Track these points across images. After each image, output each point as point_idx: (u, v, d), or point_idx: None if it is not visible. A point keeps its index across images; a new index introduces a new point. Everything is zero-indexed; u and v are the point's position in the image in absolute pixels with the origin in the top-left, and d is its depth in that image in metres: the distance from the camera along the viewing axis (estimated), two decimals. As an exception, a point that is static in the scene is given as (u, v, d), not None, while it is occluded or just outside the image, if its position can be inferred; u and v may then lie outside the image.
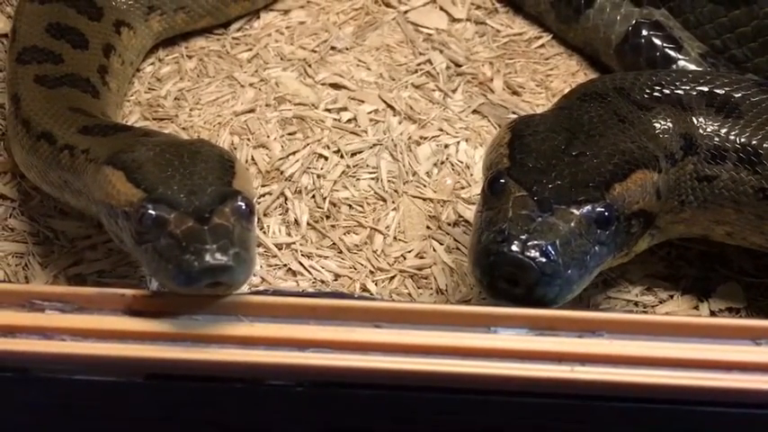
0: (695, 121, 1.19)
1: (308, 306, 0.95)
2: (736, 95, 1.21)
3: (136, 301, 0.96)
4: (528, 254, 1.00)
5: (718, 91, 1.21)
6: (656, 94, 1.21)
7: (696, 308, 1.28)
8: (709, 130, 1.19)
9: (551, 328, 0.95)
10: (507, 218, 1.02)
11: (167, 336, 0.93)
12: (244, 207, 1.01)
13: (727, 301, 1.28)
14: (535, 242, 1.00)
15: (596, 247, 1.04)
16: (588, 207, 1.04)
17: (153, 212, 0.99)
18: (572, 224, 1.03)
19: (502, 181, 1.06)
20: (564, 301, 1.03)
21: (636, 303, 1.28)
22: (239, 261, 0.96)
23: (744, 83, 1.23)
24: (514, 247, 1.00)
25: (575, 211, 1.03)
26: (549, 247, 1.00)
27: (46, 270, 1.27)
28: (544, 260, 1.00)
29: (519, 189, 1.05)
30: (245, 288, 1.22)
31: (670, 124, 1.18)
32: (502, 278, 1.01)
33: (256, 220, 1.04)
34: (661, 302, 1.28)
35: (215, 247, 0.95)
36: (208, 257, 0.95)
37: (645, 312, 1.27)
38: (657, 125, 1.17)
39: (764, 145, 1.18)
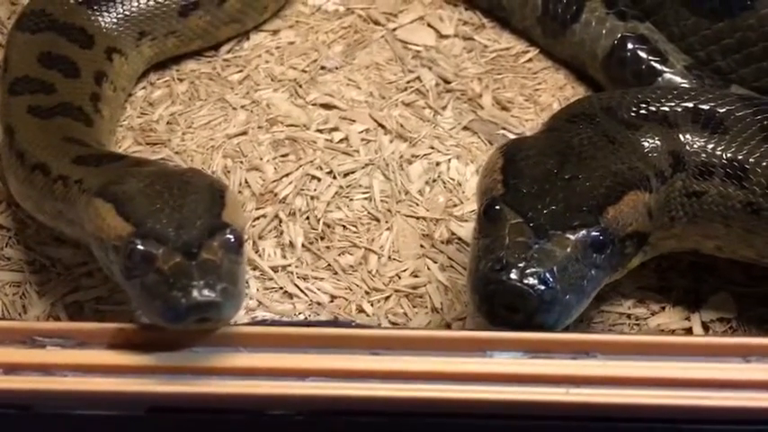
0: (682, 138, 1.21)
1: (306, 336, 0.96)
2: (721, 111, 1.23)
3: (135, 334, 0.97)
4: (526, 282, 1.01)
5: (702, 106, 1.23)
6: (642, 112, 1.22)
7: (688, 319, 1.30)
8: (695, 146, 1.21)
9: (545, 350, 0.97)
10: (504, 245, 1.03)
11: (168, 369, 0.94)
12: (232, 240, 1.01)
13: (718, 312, 1.30)
14: (533, 269, 1.01)
15: (593, 271, 1.05)
16: (583, 232, 1.05)
17: (141, 248, 0.99)
18: (568, 250, 1.04)
19: (497, 208, 1.07)
20: (563, 326, 1.04)
21: (628, 316, 1.30)
22: (227, 296, 0.96)
23: (728, 98, 1.25)
24: (513, 276, 1.01)
25: (570, 237, 1.05)
26: (547, 274, 1.01)
27: (43, 299, 1.28)
28: (543, 287, 1.01)
29: (515, 216, 1.06)
30: (243, 317, 1.24)
31: (658, 142, 1.19)
32: (501, 306, 1.02)
33: (245, 252, 1.04)
34: (653, 314, 1.30)
35: (202, 283, 0.95)
36: (195, 294, 0.95)
37: (637, 325, 1.29)
38: (646, 144, 1.19)
39: (750, 159, 1.20)
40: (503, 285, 1.01)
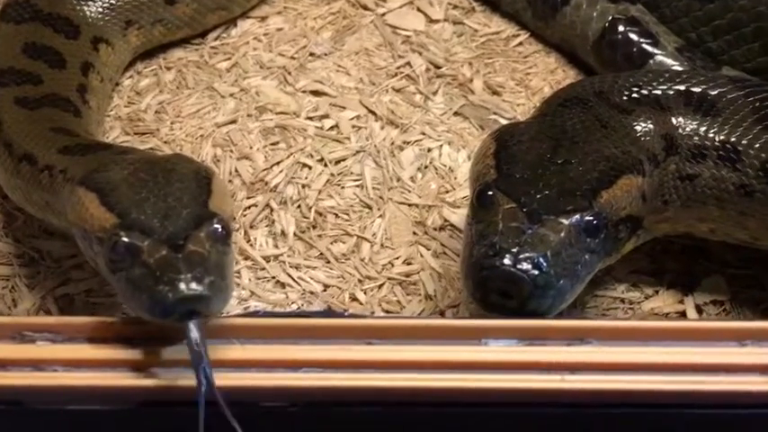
0: (674, 121, 1.20)
1: (300, 326, 0.96)
2: (713, 93, 1.22)
3: (126, 328, 0.95)
4: (520, 267, 1.00)
5: (694, 89, 1.22)
6: (634, 95, 1.21)
7: (681, 302, 1.29)
8: (688, 129, 1.20)
9: (540, 337, 0.96)
10: (498, 231, 1.03)
11: (160, 362, 0.93)
12: (220, 230, 0.98)
13: (711, 294, 1.30)
14: (527, 255, 1.00)
15: (586, 256, 1.05)
16: (577, 216, 1.05)
17: (125, 240, 0.97)
18: (562, 234, 1.03)
19: (490, 193, 1.06)
20: (557, 311, 1.03)
21: (622, 300, 1.29)
22: (215, 290, 0.94)
23: (719, 80, 1.24)
24: (506, 261, 1.00)
25: (564, 221, 1.04)
26: (541, 259, 1.01)
27: (33, 292, 1.27)
28: (536, 272, 1.00)
29: (507, 201, 1.05)
30: (236, 307, 1.23)
31: (651, 126, 1.19)
32: (495, 292, 1.01)
33: (233, 241, 1.02)
34: (646, 298, 1.30)
35: (189, 276, 0.93)
36: (182, 287, 0.92)
37: (631, 309, 1.28)
38: (639, 128, 1.18)
39: (743, 142, 1.19)
40: (496, 271, 1.00)
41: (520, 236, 1.02)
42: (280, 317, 0.99)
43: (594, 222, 1.05)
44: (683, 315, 1.28)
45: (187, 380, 0.92)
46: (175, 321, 0.93)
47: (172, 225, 0.98)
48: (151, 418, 0.94)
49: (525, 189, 1.06)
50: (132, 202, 1.00)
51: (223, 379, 0.93)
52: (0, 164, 1.25)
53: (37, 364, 0.93)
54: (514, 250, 1.01)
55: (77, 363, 0.93)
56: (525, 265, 1.00)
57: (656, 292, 1.30)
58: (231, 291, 0.98)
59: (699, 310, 1.29)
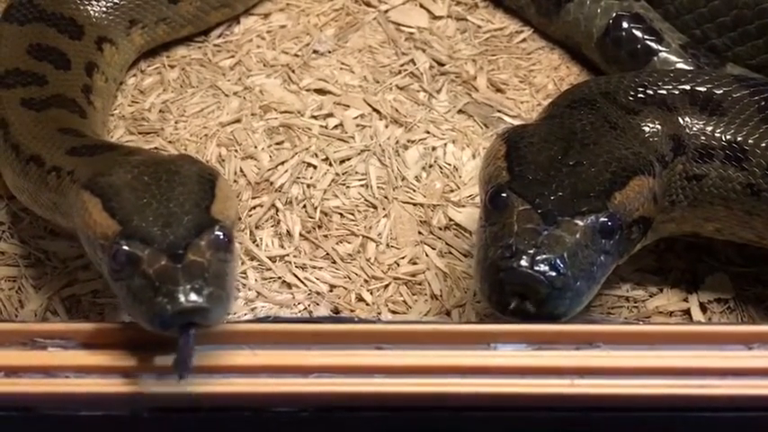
0: (681, 121, 1.20)
1: (309, 332, 0.96)
2: (718, 92, 1.22)
3: (137, 334, 0.96)
4: (537, 268, 0.99)
5: (699, 89, 1.22)
6: (640, 96, 1.21)
7: (686, 300, 1.30)
8: (695, 129, 1.20)
9: (549, 341, 0.97)
10: (513, 232, 1.02)
11: (171, 368, 0.93)
12: (221, 237, 0.97)
13: (715, 293, 1.30)
14: (544, 256, 1.00)
15: (601, 257, 1.04)
16: (592, 217, 1.04)
17: (126, 248, 0.96)
18: (577, 236, 1.03)
19: (504, 195, 1.05)
20: (573, 313, 1.03)
21: (627, 299, 1.30)
22: (214, 301, 0.93)
23: (723, 79, 1.24)
24: (523, 262, 0.99)
25: (579, 223, 1.04)
26: (558, 261, 1.00)
27: (39, 293, 1.27)
28: (554, 274, 0.99)
29: (522, 203, 1.05)
30: (242, 308, 1.23)
31: (659, 126, 1.18)
32: (512, 294, 1.00)
33: (235, 248, 1.00)
34: (651, 296, 1.30)
35: (188, 287, 0.92)
36: (181, 299, 0.92)
37: (636, 307, 1.29)
38: (647, 129, 1.18)
39: (750, 141, 1.19)
40: (513, 273, 0.99)
41: (536, 237, 1.01)
42: (289, 323, 0.99)
43: (609, 223, 1.05)
44: (687, 313, 1.29)
45: (198, 386, 0.93)
46: (174, 333, 0.93)
47: (172, 233, 0.97)
48: (163, 424, 0.95)
49: (539, 190, 1.05)
50: (134, 208, 0.99)
51: (234, 385, 0.94)
52: (8, 165, 1.25)
53: (48, 371, 0.93)
54: (531, 252, 1.00)
55: (89, 369, 0.93)
56: (542, 267, 0.99)
57: (661, 290, 1.31)
58: (231, 300, 0.97)
59: (703, 308, 1.29)
